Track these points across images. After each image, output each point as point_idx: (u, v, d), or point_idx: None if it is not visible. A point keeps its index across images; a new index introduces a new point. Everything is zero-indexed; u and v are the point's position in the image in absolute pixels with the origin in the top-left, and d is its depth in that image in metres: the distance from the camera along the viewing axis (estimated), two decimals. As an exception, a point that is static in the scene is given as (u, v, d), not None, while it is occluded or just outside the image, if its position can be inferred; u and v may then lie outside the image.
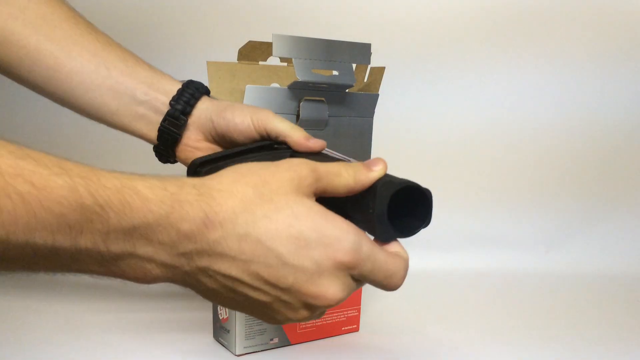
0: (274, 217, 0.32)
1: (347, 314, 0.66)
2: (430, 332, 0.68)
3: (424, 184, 0.37)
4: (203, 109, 0.50)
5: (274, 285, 0.33)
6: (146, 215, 0.29)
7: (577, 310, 0.78)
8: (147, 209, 0.29)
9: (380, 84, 0.61)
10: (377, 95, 0.60)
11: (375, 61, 0.58)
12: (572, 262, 1.01)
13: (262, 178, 0.33)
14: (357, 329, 0.67)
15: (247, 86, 0.53)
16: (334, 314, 0.65)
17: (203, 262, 0.32)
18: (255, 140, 0.47)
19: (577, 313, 0.77)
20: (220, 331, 0.61)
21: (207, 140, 0.50)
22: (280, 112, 0.55)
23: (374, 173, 0.36)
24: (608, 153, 1.05)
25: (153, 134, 0.50)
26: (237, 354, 0.59)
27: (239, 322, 0.58)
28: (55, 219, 0.27)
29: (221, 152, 0.47)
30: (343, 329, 0.66)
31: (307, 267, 0.32)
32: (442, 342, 0.65)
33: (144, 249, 0.30)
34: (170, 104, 0.49)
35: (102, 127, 0.53)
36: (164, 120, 0.49)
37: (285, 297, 0.33)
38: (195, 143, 0.50)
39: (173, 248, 0.31)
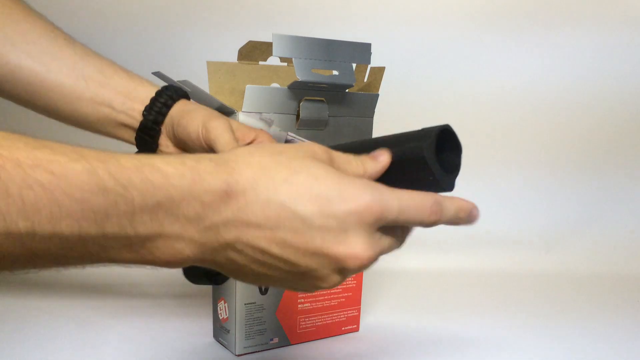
0: (294, 181, 0.32)
1: (347, 314, 0.66)
2: (431, 332, 0.68)
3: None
4: (172, 115, 0.51)
5: (304, 251, 0.32)
6: (169, 190, 0.29)
7: (577, 310, 0.78)
8: (169, 183, 0.29)
9: (380, 84, 0.61)
10: (377, 95, 0.60)
11: (375, 61, 0.58)
12: (572, 262, 1.01)
13: (277, 149, 0.34)
14: (357, 329, 0.67)
15: (247, 86, 0.53)
16: (334, 314, 0.65)
17: (230, 234, 0.32)
18: None
19: (577, 313, 0.77)
20: (220, 331, 0.61)
21: (176, 145, 0.51)
22: (280, 112, 0.55)
23: (380, 163, 0.37)
24: (608, 153, 1.05)
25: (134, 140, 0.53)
26: (237, 354, 0.59)
27: (239, 322, 0.58)
28: (79, 205, 0.27)
29: None
30: (343, 329, 0.66)
31: (332, 225, 0.32)
32: (442, 342, 0.65)
33: (171, 227, 0.30)
34: (143, 114, 0.51)
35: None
36: (139, 129, 0.51)
37: (315, 263, 0.33)
38: (164, 148, 0.51)
39: (199, 222, 0.31)
